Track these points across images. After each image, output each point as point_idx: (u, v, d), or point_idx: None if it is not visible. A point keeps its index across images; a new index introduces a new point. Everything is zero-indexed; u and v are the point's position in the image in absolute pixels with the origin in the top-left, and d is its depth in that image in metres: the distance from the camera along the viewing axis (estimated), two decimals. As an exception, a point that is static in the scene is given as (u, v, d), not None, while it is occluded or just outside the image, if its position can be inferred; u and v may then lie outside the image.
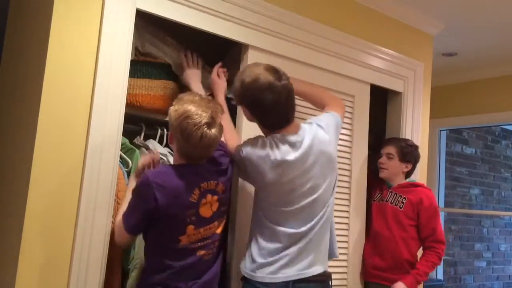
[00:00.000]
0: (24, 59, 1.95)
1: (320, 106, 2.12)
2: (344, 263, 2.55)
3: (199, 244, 1.73)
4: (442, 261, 2.61)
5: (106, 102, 1.79)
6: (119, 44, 1.82)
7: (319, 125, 1.90)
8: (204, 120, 1.66)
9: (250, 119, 1.89)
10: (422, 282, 2.56)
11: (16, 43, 2.06)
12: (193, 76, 2.10)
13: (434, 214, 2.54)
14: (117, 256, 1.83)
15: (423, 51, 3.08)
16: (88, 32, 1.78)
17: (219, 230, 1.80)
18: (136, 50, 2.00)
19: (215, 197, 1.76)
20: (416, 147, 2.72)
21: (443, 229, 2.62)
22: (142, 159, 1.86)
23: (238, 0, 2.15)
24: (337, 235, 2.49)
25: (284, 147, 1.81)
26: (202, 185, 1.73)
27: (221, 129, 1.74)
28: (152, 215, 1.67)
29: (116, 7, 1.82)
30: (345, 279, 2.55)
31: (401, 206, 2.56)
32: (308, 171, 1.82)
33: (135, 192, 1.70)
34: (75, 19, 1.75)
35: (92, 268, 1.73)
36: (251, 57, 2.18)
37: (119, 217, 1.75)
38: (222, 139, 1.84)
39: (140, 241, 1.86)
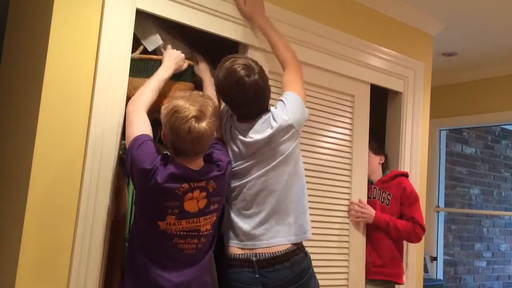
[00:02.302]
0: (24, 59, 1.95)
1: (281, 64, 2.11)
2: (345, 263, 2.55)
3: (178, 233, 1.70)
4: (413, 241, 2.67)
5: (106, 102, 1.79)
6: (119, 44, 1.83)
7: (272, 117, 1.92)
8: (192, 114, 1.64)
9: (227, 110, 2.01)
10: (383, 226, 2.60)
11: (16, 43, 2.06)
12: (205, 70, 2.14)
13: (415, 201, 2.67)
14: (118, 256, 1.83)
15: (423, 51, 3.08)
16: (88, 32, 1.78)
17: (204, 228, 1.75)
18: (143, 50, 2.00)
19: (204, 194, 1.73)
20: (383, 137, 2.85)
21: (423, 216, 2.72)
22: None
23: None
24: (339, 234, 2.52)
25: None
26: (192, 183, 1.70)
27: (212, 123, 1.70)
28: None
29: (116, 7, 1.82)
30: (346, 278, 2.55)
31: (387, 203, 2.65)
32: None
33: (144, 143, 1.71)
34: (75, 19, 1.75)
35: (92, 268, 1.73)
36: (250, 57, 2.18)
37: (135, 100, 1.82)
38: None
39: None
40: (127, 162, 1.73)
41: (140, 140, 1.71)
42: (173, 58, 1.99)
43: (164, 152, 1.76)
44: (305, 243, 1.96)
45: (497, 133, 5.91)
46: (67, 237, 1.71)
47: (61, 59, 1.71)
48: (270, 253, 1.85)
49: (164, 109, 1.70)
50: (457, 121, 4.36)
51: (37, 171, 1.65)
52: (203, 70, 2.15)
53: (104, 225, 1.77)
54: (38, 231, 1.65)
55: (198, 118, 1.66)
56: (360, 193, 2.63)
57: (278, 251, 1.86)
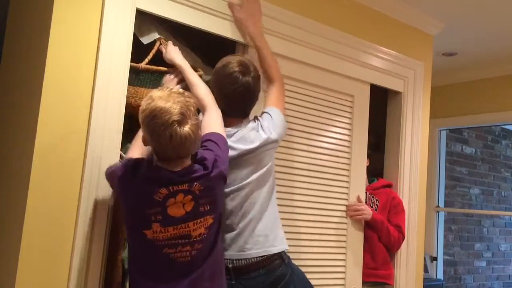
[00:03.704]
0: (24, 59, 1.95)
1: (266, 78, 2.10)
2: (342, 263, 2.55)
3: (166, 242, 1.58)
4: (395, 248, 2.76)
5: (106, 101, 1.79)
6: (119, 43, 1.83)
7: (261, 126, 1.94)
8: (173, 118, 1.51)
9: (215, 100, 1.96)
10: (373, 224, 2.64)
11: (16, 43, 2.06)
12: (173, 50, 2.00)
13: (402, 211, 2.78)
14: (118, 256, 1.83)
15: (423, 51, 3.08)
16: (88, 32, 1.78)
17: (195, 233, 1.61)
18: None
19: (189, 197, 1.59)
20: None
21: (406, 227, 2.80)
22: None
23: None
24: (336, 234, 2.52)
25: None
26: (171, 187, 1.57)
27: (196, 125, 1.57)
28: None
29: (116, 7, 1.82)
30: (343, 278, 2.55)
31: (376, 208, 2.71)
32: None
33: (116, 167, 1.67)
34: (75, 19, 1.75)
35: (92, 268, 1.73)
36: (250, 57, 2.18)
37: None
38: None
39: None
40: (109, 182, 1.71)
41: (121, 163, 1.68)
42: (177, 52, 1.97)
43: (139, 157, 1.68)
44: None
45: (497, 133, 5.91)
46: (67, 237, 1.71)
47: (61, 58, 1.71)
48: (246, 259, 1.86)
49: (142, 111, 1.56)
50: (457, 121, 4.36)
51: (37, 171, 1.65)
52: (172, 51, 1.99)
53: (104, 225, 1.77)
54: (38, 231, 1.65)
55: (180, 122, 1.52)
56: (358, 193, 2.63)
57: (253, 258, 1.86)
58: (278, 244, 1.93)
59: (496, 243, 5.85)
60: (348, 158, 2.60)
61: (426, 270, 4.03)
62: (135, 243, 1.64)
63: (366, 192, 2.72)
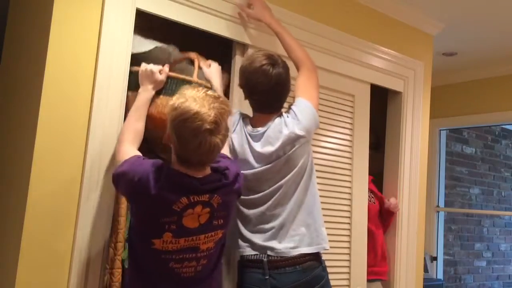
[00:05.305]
0: (24, 59, 1.94)
1: (296, 65, 2.07)
2: (346, 263, 2.55)
3: (174, 256, 1.52)
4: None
5: (106, 101, 1.79)
6: (119, 43, 1.82)
7: (284, 123, 1.89)
8: (206, 126, 1.42)
9: (245, 98, 1.96)
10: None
11: (16, 43, 2.06)
12: (214, 74, 1.98)
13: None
14: (118, 256, 1.82)
15: (423, 51, 3.08)
16: (88, 32, 1.78)
17: (204, 246, 1.55)
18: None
19: (207, 209, 1.53)
20: None
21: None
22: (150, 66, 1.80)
23: (238, 0, 2.15)
24: (339, 234, 2.51)
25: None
26: (192, 196, 1.50)
27: (226, 135, 1.51)
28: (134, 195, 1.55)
29: (116, 7, 1.82)
30: (348, 279, 2.55)
31: (373, 201, 2.77)
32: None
33: (130, 169, 1.53)
34: (75, 19, 1.75)
35: (92, 268, 1.74)
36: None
37: (121, 138, 1.69)
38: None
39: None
40: (117, 184, 1.58)
41: (126, 160, 1.57)
42: (144, 77, 1.80)
43: (158, 161, 1.58)
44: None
45: (497, 133, 5.91)
46: (67, 237, 1.70)
47: (61, 58, 1.71)
48: (282, 254, 1.82)
49: (172, 110, 1.46)
50: (457, 121, 4.36)
51: (37, 171, 1.65)
52: (213, 74, 1.98)
53: (104, 225, 1.77)
54: (38, 231, 1.65)
55: (212, 131, 1.43)
56: (361, 192, 2.63)
57: (290, 255, 1.82)
58: (319, 242, 1.88)
59: (496, 243, 5.85)
60: (350, 158, 2.60)
61: (426, 270, 4.03)
62: (140, 253, 1.56)
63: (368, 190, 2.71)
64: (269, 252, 1.83)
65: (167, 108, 1.55)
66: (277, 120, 1.90)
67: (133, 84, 1.85)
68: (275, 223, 1.85)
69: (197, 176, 1.52)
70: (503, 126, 5.83)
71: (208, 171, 1.56)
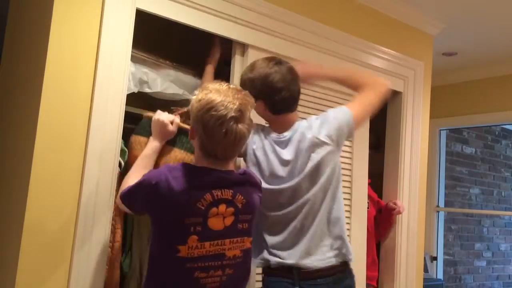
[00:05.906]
0: (24, 59, 1.94)
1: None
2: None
3: (200, 264, 1.47)
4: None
5: (106, 101, 1.79)
6: (119, 44, 1.82)
7: (310, 126, 1.83)
8: (231, 114, 1.43)
9: (264, 110, 1.83)
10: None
11: (16, 43, 2.06)
12: (207, 74, 2.05)
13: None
14: (117, 257, 1.83)
15: (423, 51, 3.08)
16: (88, 32, 1.78)
17: (230, 253, 1.50)
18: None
19: (231, 209, 1.50)
20: None
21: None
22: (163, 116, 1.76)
23: (238, 0, 2.15)
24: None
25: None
26: (215, 192, 1.48)
27: (251, 126, 1.51)
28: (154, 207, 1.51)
29: (116, 7, 1.82)
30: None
31: (369, 207, 2.76)
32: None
33: (145, 177, 1.52)
34: (75, 19, 1.75)
35: (92, 268, 1.73)
36: (251, 56, 2.18)
37: (126, 181, 1.62)
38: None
39: (138, 248, 1.88)
40: (130, 201, 1.56)
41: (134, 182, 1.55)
42: (156, 127, 1.77)
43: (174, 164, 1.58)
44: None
45: (497, 133, 5.91)
46: (67, 237, 1.70)
47: (61, 59, 1.71)
48: (313, 268, 1.75)
49: (197, 102, 1.48)
50: (457, 121, 4.36)
51: (37, 171, 1.65)
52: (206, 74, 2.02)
53: (104, 225, 1.77)
54: (38, 231, 1.64)
55: (237, 119, 1.44)
56: (360, 193, 2.63)
57: (320, 266, 1.76)
58: (348, 253, 1.84)
59: (496, 243, 5.85)
60: (350, 158, 2.60)
61: (426, 270, 4.03)
62: (163, 267, 1.49)
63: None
64: (300, 264, 1.76)
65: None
66: (304, 123, 1.84)
67: (145, 130, 1.83)
68: (304, 236, 1.78)
69: (221, 169, 1.53)
70: (503, 126, 5.83)
71: (232, 167, 1.58)
